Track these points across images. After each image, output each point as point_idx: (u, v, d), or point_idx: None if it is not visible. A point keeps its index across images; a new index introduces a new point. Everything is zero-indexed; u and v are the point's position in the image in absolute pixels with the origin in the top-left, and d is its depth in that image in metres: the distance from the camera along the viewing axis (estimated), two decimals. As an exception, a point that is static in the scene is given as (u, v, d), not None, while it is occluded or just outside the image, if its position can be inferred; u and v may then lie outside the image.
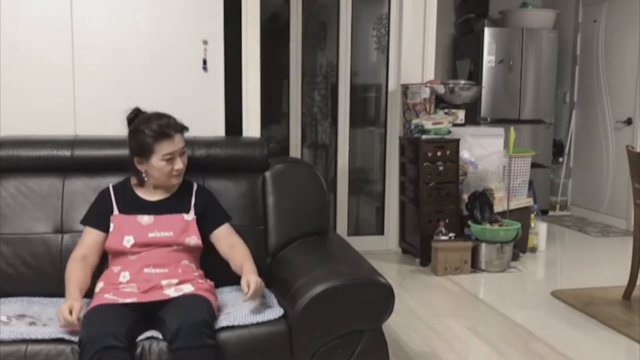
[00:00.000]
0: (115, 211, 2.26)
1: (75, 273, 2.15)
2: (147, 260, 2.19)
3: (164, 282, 2.12)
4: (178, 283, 2.13)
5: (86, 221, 2.29)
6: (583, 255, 5.04)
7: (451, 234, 4.39)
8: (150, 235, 2.21)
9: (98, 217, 2.27)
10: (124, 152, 2.53)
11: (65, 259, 2.28)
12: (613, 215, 6.04)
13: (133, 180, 2.34)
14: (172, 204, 2.30)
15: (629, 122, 5.83)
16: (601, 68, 6.27)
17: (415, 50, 4.86)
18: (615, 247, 5.20)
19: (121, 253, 2.21)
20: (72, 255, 2.21)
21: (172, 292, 2.08)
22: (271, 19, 5.85)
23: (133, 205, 2.28)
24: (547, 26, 6.40)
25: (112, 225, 2.24)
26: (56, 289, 2.27)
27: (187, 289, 2.11)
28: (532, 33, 6.27)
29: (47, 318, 2.11)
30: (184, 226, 2.26)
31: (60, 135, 2.63)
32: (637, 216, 3.61)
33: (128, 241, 2.20)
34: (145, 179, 2.29)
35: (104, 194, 2.31)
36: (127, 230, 2.22)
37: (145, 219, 2.24)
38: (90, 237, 2.24)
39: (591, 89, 6.42)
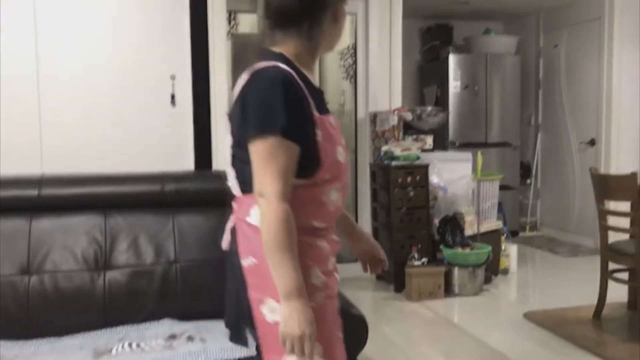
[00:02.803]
0: (314, 109, 1.46)
1: (295, 242, 1.40)
2: (341, 203, 1.57)
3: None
4: None
5: (285, 130, 1.39)
6: (553, 275, 5.11)
7: (424, 259, 4.42)
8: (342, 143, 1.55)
9: (302, 122, 1.43)
10: (94, 189, 2.53)
11: (33, 300, 2.25)
12: (581, 235, 6.15)
13: (297, 55, 1.50)
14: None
15: (592, 143, 5.98)
16: (563, 91, 6.44)
17: (382, 78, 4.93)
18: (585, 266, 5.28)
19: (331, 181, 1.50)
20: (276, 200, 1.37)
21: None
22: (242, 47, 5.88)
23: (319, 98, 1.52)
24: (510, 51, 6.56)
25: (318, 132, 1.45)
26: (23, 332, 2.23)
27: None
28: (495, 58, 6.42)
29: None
30: None
31: (26, 174, 2.60)
32: (603, 237, 3.68)
33: (341, 154, 1.51)
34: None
35: (290, 82, 1.42)
36: (336, 138, 1.50)
37: (333, 120, 1.53)
38: (293, 158, 1.41)
39: (555, 111, 6.58)
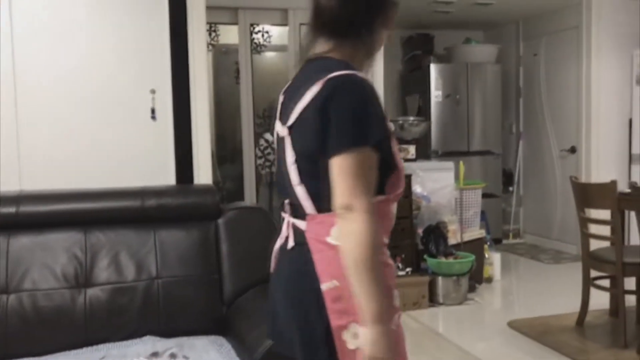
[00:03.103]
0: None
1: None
2: None
3: None
4: None
5: (376, 142, 1.35)
6: (537, 283, 5.13)
7: (408, 269, 4.42)
8: None
9: (386, 133, 1.39)
10: (74, 205, 2.50)
11: (12, 320, 2.22)
12: (564, 241, 6.19)
13: (355, 62, 1.46)
14: None
15: (572, 150, 6.03)
16: (543, 99, 6.50)
17: (364, 88, 4.94)
18: (567, 273, 5.31)
19: (400, 194, 1.48)
20: (368, 215, 1.30)
21: None
22: (224, 54, 5.88)
23: None
24: (490, 60, 6.62)
25: (393, 144, 1.43)
26: (1, 353, 2.18)
27: None
28: (476, 67, 6.47)
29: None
30: None
31: (4, 191, 2.56)
32: (584, 245, 3.71)
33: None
34: None
35: (375, 91, 1.40)
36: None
37: None
38: (376, 171, 1.36)
39: (535, 119, 6.64)
